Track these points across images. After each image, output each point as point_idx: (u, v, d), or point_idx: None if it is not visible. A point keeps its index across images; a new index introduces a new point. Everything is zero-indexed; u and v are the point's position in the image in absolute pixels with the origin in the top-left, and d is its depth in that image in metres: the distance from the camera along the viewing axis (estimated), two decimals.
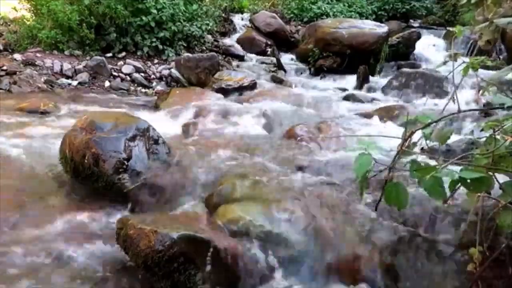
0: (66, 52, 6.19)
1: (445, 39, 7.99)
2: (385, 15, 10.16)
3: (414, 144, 1.73)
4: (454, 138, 2.77)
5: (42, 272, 1.95)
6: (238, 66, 7.08)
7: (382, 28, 7.23)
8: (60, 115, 4.38)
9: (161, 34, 6.52)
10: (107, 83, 5.85)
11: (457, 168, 1.52)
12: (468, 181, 1.39)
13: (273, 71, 6.87)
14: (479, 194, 1.56)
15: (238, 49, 7.73)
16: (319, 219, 2.19)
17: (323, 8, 9.50)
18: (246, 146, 3.41)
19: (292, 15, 9.71)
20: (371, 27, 7.19)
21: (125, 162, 2.71)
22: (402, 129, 1.79)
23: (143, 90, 5.96)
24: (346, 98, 5.36)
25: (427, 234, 2.03)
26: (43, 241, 2.21)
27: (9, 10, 6.75)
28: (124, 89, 5.83)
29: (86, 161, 2.70)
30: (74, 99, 5.07)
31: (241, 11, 9.67)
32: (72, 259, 2.05)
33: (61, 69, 5.84)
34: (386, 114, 4.54)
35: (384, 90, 5.80)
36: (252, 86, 5.66)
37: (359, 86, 6.24)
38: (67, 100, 4.99)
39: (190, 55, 6.37)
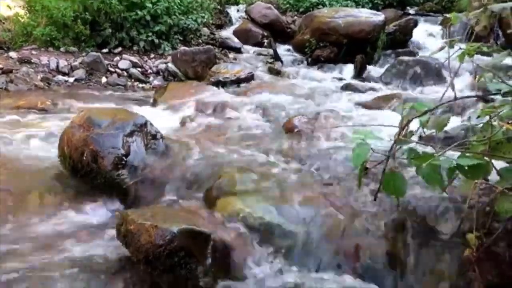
0: (62, 49, 6.15)
1: (442, 25, 7.94)
2: (381, 3, 10.08)
3: (411, 132, 1.73)
4: (452, 124, 2.77)
5: (42, 270, 1.96)
6: (235, 58, 7.05)
7: (378, 16, 7.18)
8: (58, 112, 4.36)
9: (157, 28, 6.48)
10: (104, 79, 5.83)
11: (455, 155, 1.52)
12: (466, 168, 1.40)
13: (270, 63, 6.84)
14: (476, 180, 1.57)
15: (235, 41, 7.69)
16: (318, 209, 2.20)
17: None
18: (245, 138, 3.41)
19: (288, 5, 9.63)
20: (367, 16, 7.14)
21: (124, 158, 2.71)
22: (400, 118, 1.79)
23: (140, 85, 5.93)
24: (344, 88, 5.35)
25: (426, 221, 2.03)
26: (43, 239, 2.21)
27: (3, 8, 6.70)
28: (121, 85, 5.81)
29: (84, 158, 2.70)
30: (71, 96, 5.05)
31: (236, 2, 9.59)
32: (73, 256, 2.06)
33: (57, 66, 5.81)
34: (384, 102, 4.53)
35: (382, 78, 5.78)
36: (250, 78, 5.64)
37: (357, 76, 6.22)
38: (64, 97, 4.97)
39: (186, 48, 6.34)
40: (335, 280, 1.95)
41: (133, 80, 5.99)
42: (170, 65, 6.10)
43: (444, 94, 1.74)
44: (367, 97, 4.86)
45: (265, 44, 7.86)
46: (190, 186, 2.61)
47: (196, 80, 5.67)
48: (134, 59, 6.25)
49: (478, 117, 1.59)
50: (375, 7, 9.60)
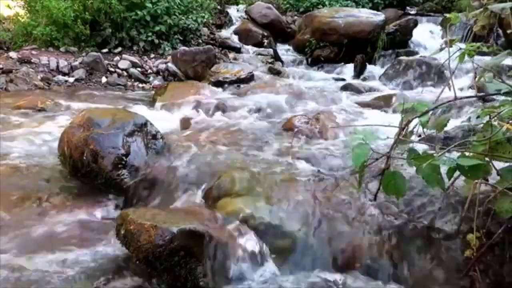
0: (62, 49, 6.16)
1: (442, 25, 7.94)
2: (382, 3, 10.08)
3: (411, 132, 1.73)
4: (452, 124, 2.78)
5: (41, 270, 1.96)
6: (235, 58, 7.05)
7: (378, 16, 7.19)
8: (58, 112, 4.36)
9: (157, 28, 6.48)
10: (103, 79, 5.82)
11: (455, 155, 1.52)
12: (466, 168, 1.40)
13: (270, 63, 6.85)
14: (476, 180, 1.57)
15: (235, 41, 7.69)
16: (318, 209, 2.20)
17: None
18: (245, 138, 3.41)
19: (288, 5, 9.64)
20: (368, 16, 7.16)
21: (124, 158, 2.71)
22: (400, 118, 1.79)
23: (140, 85, 5.93)
24: (344, 88, 5.36)
25: (426, 221, 2.03)
26: (43, 239, 2.21)
27: (3, 8, 6.70)
28: (121, 85, 5.81)
29: (84, 158, 2.70)
30: (72, 96, 5.05)
31: (236, 2, 9.59)
32: (73, 256, 2.06)
33: (57, 66, 5.81)
34: (384, 102, 4.54)
35: (382, 78, 5.79)
36: (250, 78, 5.65)
37: (357, 76, 6.23)
38: (65, 97, 4.97)
39: (186, 48, 6.34)
40: (334, 280, 1.95)
41: (133, 80, 5.99)
42: (170, 65, 6.09)
43: (440, 94, 1.75)
44: (367, 97, 4.87)
45: (265, 44, 7.86)
46: (190, 186, 2.60)
47: (196, 80, 5.67)
48: (134, 59, 6.25)
49: (478, 117, 1.59)
50: (375, 7, 9.60)
